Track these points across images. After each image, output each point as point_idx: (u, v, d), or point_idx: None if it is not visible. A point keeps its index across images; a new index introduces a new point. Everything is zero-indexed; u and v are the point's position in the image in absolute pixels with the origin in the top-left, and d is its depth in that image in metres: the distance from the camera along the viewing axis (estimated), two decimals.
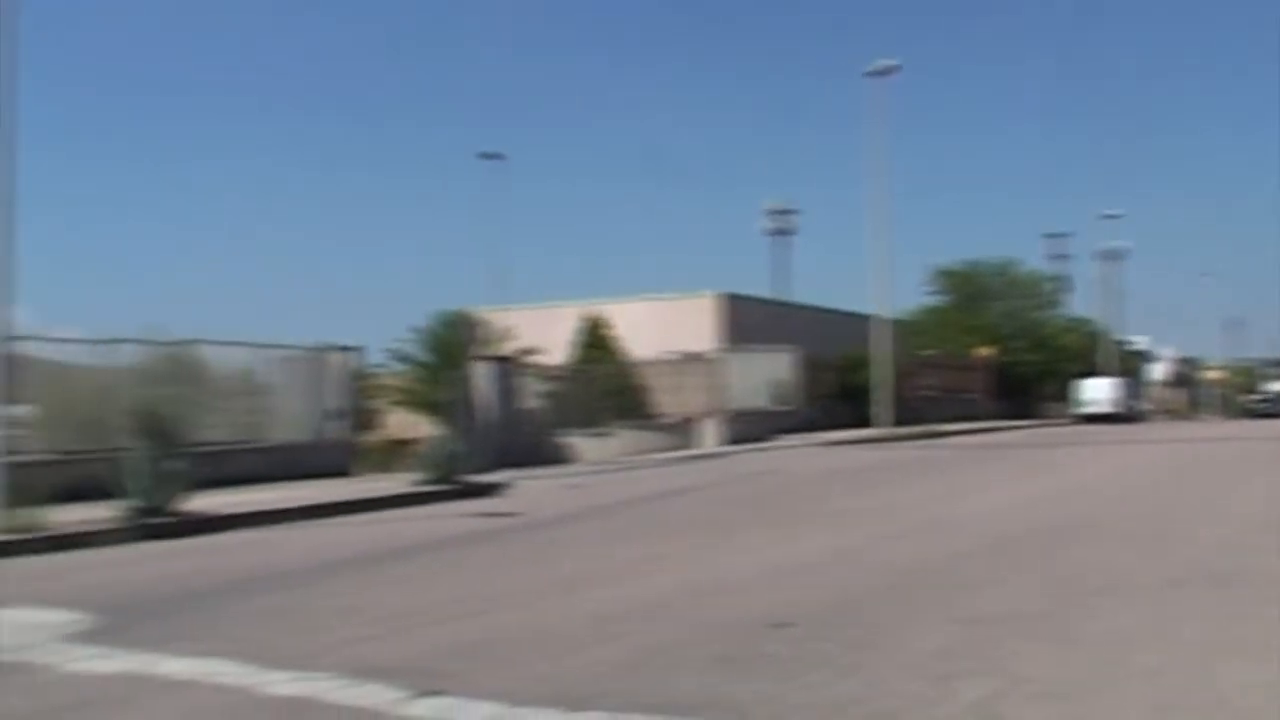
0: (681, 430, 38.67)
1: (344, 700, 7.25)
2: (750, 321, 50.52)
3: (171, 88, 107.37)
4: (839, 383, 49.77)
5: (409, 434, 36.72)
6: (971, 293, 77.19)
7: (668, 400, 40.75)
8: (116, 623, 10.07)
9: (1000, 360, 67.00)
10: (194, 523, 17.30)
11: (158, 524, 16.84)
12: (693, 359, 43.06)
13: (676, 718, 6.71)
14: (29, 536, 15.52)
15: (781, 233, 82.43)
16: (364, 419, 31.02)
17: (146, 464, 17.41)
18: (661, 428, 38.45)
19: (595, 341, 46.02)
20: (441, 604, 10.85)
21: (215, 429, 24.78)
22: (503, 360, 34.91)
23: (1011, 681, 7.44)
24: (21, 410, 17.85)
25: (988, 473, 27.36)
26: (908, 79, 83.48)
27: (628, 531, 17.31)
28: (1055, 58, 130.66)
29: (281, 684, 7.67)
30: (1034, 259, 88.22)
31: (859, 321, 50.14)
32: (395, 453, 31.34)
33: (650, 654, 8.47)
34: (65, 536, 15.78)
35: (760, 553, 14.19)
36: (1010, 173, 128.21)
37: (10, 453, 16.56)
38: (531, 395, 34.99)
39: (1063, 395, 68.97)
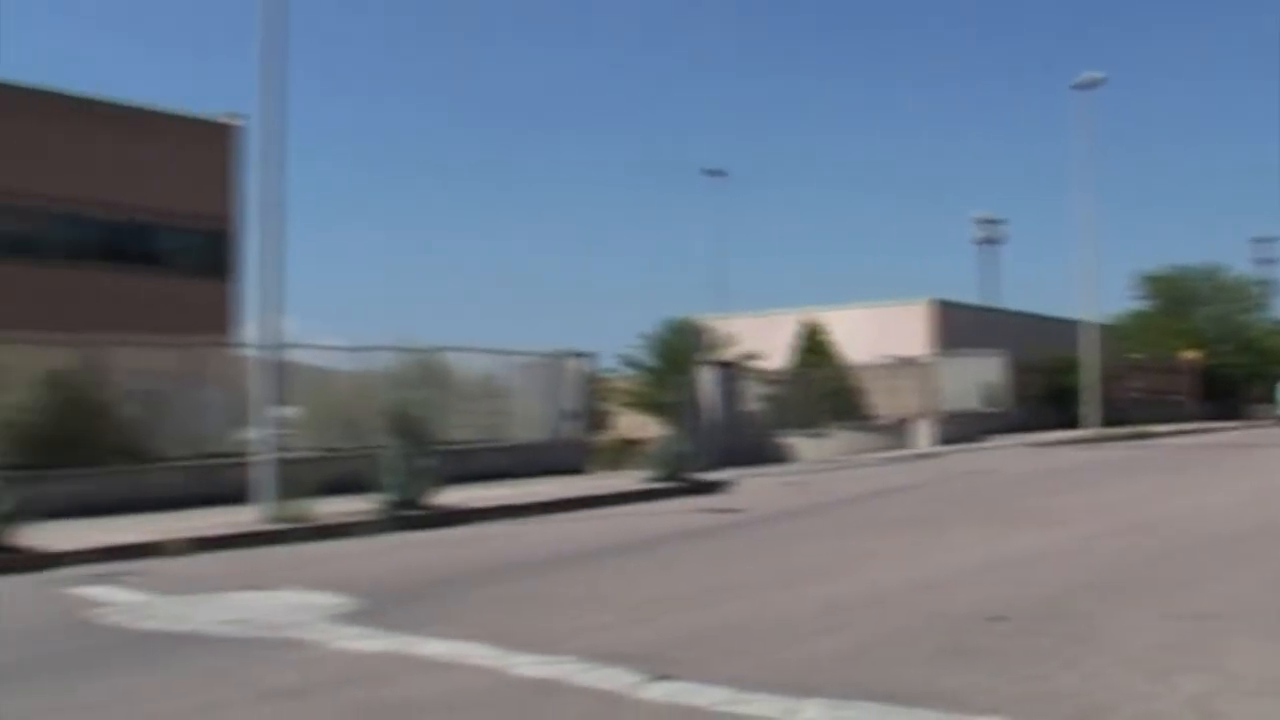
0: (895, 431, 38.30)
1: (586, 682, 7.42)
2: (960, 327, 49.89)
3: (413, 102, 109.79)
4: (1047, 385, 48.75)
5: (638, 434, 37.05)
6: (1178, 297, 74.72)
7: (882, 402, 40.39)
8: (376, 606, 10.45)
9: (1206, 363, 64.82)
10: (443, 515, 17.77)
11: (411, 516, 17.36)
12: (906, 363, 42.66)
13: (897, 707, 6.72)
14: (297, 526, 16.20)
15: (990, 241, 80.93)
16: (596, 420, 31.37)
17: (400, 461, 17.97)
18: (876, 428, 38.12)
19: (813, 346, 45.84)
20: (672, 594, 11.00)
21: (460, 429, 25.34)
22: (725, 365, 35.09)
23: (1228, 678, 7.26)
24: (290, 412, 18.56)
25: (1196, 473, 26.49)
26: (1112, 91, 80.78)
27: (846, 527, 17.25)
28: (1257, 69, 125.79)
29: (528, 666, 7.89)
30: (1240, 263, 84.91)
31: (1066, 326, 49.05)
32: (625, 452, 31.63)
33: (870, 645, 8.48)
34: (328, 526, 16.41)
35: (974, 549, 14.05)
36: (1215, 180, 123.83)
37: (281, 450, 17.26)
38: (752, 398, 35.03)
39: (1269, 397, 66.41)
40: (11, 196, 33.03)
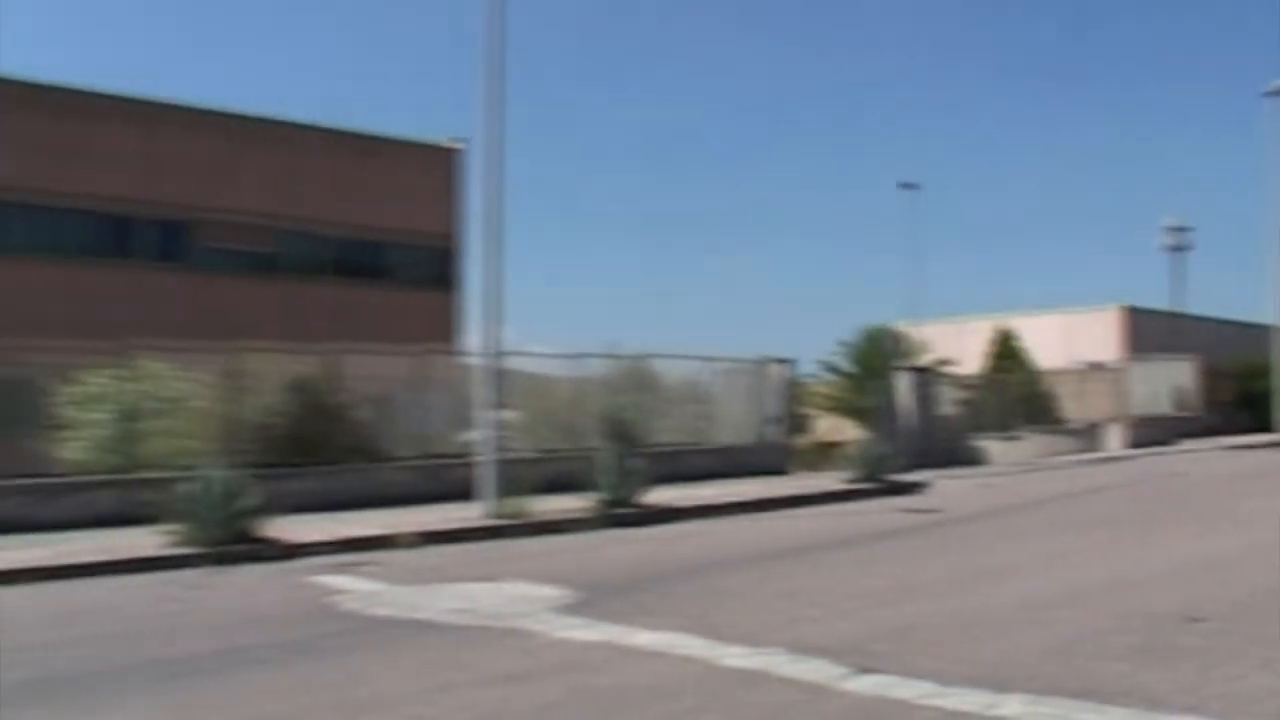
0: (1086, 434, 37.36)
1: (792, 674, 7.38)
2: (1149, 332, 48.56)
3: (615, 110, 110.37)
4: (1239, 390, 47.20)
5: (836, 437, 36.92)
6: None
7: (1073, 406, 39.43)
8: (592, 598, 10.56)
9: None
10: (652, 513, 17.88)
11: (622, 514, 17.52)
12: (1096, 368, 41.68)
13: (1096, 703, 6.53)
14: (517, 522, 16.48)
15: (1178, 248, 78.29)
16: (797, 423, 31.20)
17: (613, 462, 18.16)
18: (1068, 432, 37.22)
19: (1005, 352, 45.15)
20: (873, 590, 10.88)
21: (667, 432, 25.51)
22: (921, 370, 34.67)
23: None
24: (509, 415, 18.90)
25: None
26: None
27: (1042, 527, 16.86)
28: None
29: (735, 657, 7.88)
30: None
31: (1258, 332, 47.43)
32: (824, 454, 31.44)
33: (1069, 642, 8.26)
34: (546, 523, 16.65)
35: (1171, 549, 13.61)
36: None
37: (501, 451, 17.57)
38: (947, 402, 34.51)
39: None
40: (259, 217, 34.43)
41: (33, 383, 20.07)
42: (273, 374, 20.38)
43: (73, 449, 19.05)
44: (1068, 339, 47.34)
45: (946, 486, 23.67)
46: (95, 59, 79.75)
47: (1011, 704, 6.57)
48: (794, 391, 30.11)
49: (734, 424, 27.00)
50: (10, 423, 20.27)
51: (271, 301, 32.62)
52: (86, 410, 19.31)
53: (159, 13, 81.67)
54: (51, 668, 8.43)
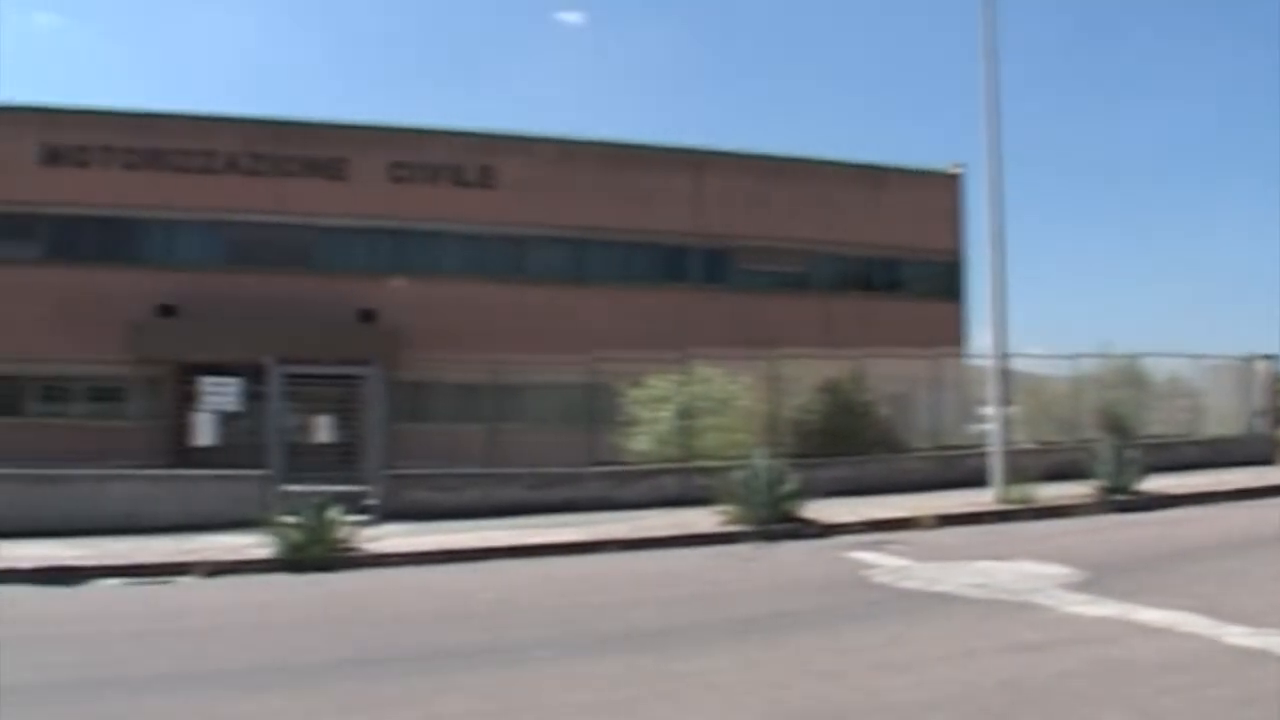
0: None
1: None
2: None
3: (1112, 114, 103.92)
4: None
5: None
6: None
7: None
8: (1096, 577, 10.28)
9: None
10: (1148, 500, 17.06)
11: (1120, 500, 16.84)
12: None
13: None
14: (1023, 507, 16.23)
15: None
16: None
17: (1110, 452, 17.52)
18: None
19: None
20: None
21: (1157, 425, 24.34)
22: None
23: None
24: (1012, 410, 18.61)
25: None
26: None
27: None
28: None
29: (1238, 636, 7.51)
30: None
31: None
32: None
33: None
34: (1049, 508, 16.27)
35: None
36: None
37: (1007, 443, 17.35)
38: None
39: None
40: (791, 242, 35.52)
41: (609, 387, 21.75)
42: (806, 377, 21.07)
43: (640, 441, 20.48)
44: None
45: None
46: (649, 117, 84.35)
47: None
48: (1278, 386, 27.78)
49: (1222, 417, 25.27)
50: (592, 420, 22.05)
51: (803, 314, 33.56)
52: (651, 409, 20.70)
53: (704, 75, 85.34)
54: (632, 622, 9.20)
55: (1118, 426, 21.96)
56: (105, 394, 31.19)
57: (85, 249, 31.45)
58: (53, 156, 31.29)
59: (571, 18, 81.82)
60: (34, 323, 29.62)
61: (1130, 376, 24.48)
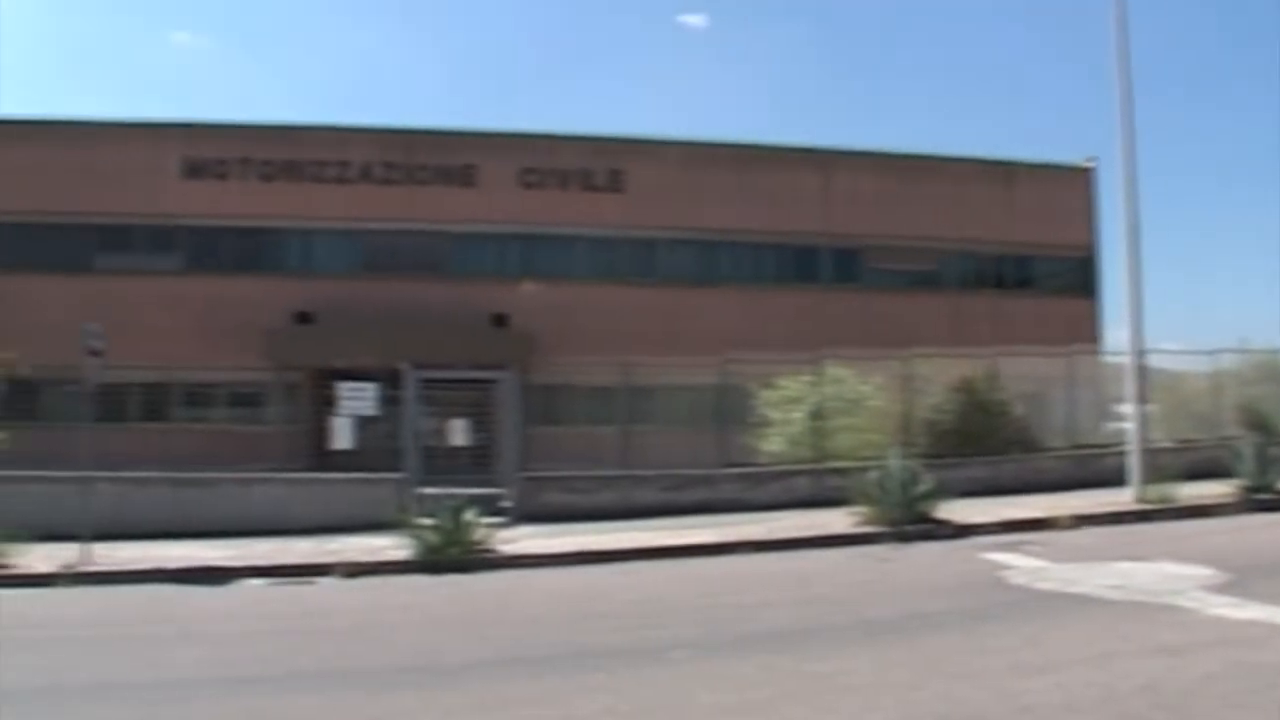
0: None
1: None
2: None
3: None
4: None
5: None
6: None
7: None
8: (1241, 578, 9.97)
9: None
10: None
11: (1263, 500, 16.29)
12: None
13: None
14: (1163, 506, 15.82)
15: None
16: None
17: (1251, 450, 17.00)
18: None
19: None
20: None
21: None
22: None
23: None
24: (1149, 408, 18.14)
25: None
26: None
27: None
28: None
29: None
30: None
31: None
32: None
33: None
34: (1189, 508, 15.82)
35: None
36: None
37: (1145, 441, 16.93)
38: None
39: None
40: (921, 240, 35.16)
41: (740, 388, 21.77)
42: (939, 376, 20.83)
43: (772, 442, 20.46)
44: None
45: None
46: (775, 117, 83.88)
47: None
48: None
49: None
50: (723, 421, 22.10)
51: (934, 312, 33.18)
52: (783, 410, 20.66)
53: (828, 74, 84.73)
54: (767, 622, 9.23)
55: (1259, 424, 21.23)
56: (245, 399, 32.05)
57: (224, 259, 32.54)
58: (193, 170, 32.47)
59: (694, 20, 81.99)
60: (177, 331, 30.65)
61: (1271, 372, 23.66)
